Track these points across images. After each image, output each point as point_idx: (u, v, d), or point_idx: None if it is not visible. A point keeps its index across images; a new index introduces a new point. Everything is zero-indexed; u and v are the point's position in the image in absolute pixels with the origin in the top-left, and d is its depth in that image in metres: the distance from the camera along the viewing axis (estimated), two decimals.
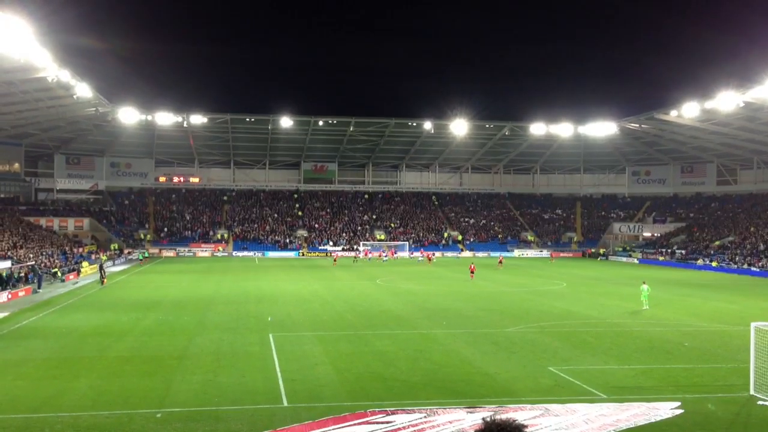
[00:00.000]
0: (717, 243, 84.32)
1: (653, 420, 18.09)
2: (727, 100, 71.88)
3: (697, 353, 26.97)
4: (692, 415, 18.44)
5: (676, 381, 22.36)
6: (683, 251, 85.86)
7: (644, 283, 40.74)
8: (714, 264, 75.30)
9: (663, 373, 23.65)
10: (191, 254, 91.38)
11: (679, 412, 18.78)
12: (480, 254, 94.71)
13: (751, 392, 20.20)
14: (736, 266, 72.34)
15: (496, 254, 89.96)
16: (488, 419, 2.49)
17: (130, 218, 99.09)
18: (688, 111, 78.92)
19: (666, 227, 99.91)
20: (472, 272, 59.11)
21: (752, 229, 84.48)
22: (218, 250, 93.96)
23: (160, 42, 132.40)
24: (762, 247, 76.84)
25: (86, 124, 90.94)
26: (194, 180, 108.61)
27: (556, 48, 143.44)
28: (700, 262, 78.45)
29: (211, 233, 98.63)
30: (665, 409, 19.00)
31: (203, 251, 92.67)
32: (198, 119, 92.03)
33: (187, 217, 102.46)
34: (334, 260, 79.14)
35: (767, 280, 63.15)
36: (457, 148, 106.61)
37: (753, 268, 69.69)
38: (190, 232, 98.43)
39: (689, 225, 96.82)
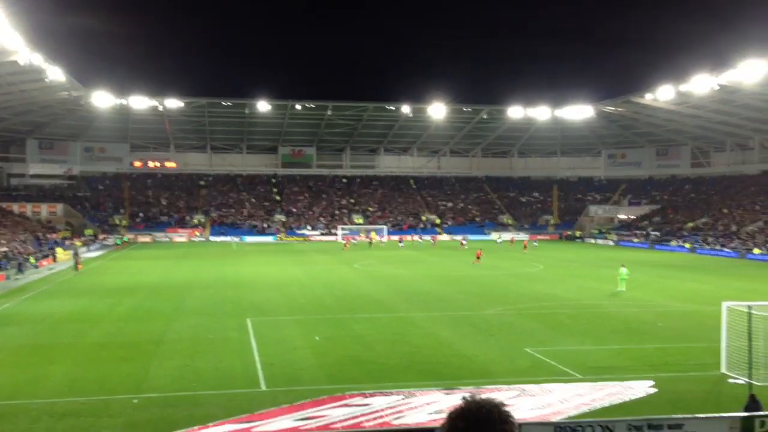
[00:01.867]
0: (691, 225, 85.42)
1: (628, 399, 18.39)
2: (701, 84, 72.54)
3: (671, 333, 27.40)
4: (665, 393, 18.77)
5: (650, 360, 22.72)
6: (658, 233, 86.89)
7: (623, 265, 40.62)
8: (687, 245, 76.34)
9: (637, 353, 24.02)
10: (168, 239, 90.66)
11: (652, 390, 19.11)
12: (457, 237, 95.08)
13: (723, 371, 20.59)
14: (709, 247, 73.37)
15: (474, 237, 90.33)
16: (468, 398, 2.47)
17: (105, 203, 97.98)
18: (663, 94, 79.54)
19: (641, 209, 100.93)
20: (478, 257, 58.54)
21: (725, 210, 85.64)
22: (195, 235, 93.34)
23: (134, 25, 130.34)
24: (734, 228, 77.99)
25: (59, 109, 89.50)
26: (170, 165, 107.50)
27: (534, 31, 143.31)
28: (674, 243, 79.47)
29: (188, 218, 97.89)
30: (639, 388, 19.31)
31: (180, 236, 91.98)
32: (174, 103, 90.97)
33: (164, 202, 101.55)
34: (345, 244, 78.40)
35: (739, 261, 64.19)
36: (436, 131, 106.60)
37: (725, 249, 70.74)
38: (166, 217, 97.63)
39: (664, 207, 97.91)
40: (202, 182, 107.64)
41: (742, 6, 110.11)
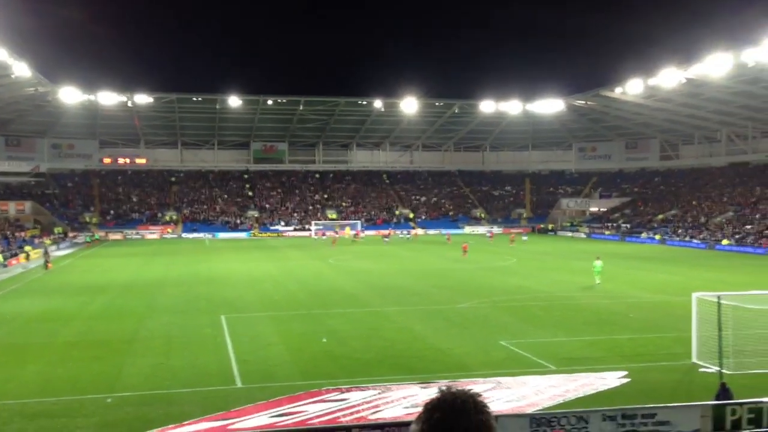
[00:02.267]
0: (660, 217, 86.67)
1: (601, 389, 18.63)
2: (669, 77, 73.47)
3: (642, 324, 27.79)
4: (638, 383, 19.04)
5: (622, 351, 23.03)
6: (628, 225, 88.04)
7: (598, 258, 40.63)
8: (657, 237, 77.43)
9: (610, 343, 24.33)
10: (139, 237, 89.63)
11: (625, 381, 19.38)
12: (431, 231, 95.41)
13: (693, 360, 20.95)
14: (678, 239, 74.48)
15: (450, 231, 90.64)
16: (444, 389, 2.47)
17: (74, 201, 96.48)
18: (632, 88, 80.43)
19: (612, 202, 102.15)
20: (465, 251, 58.91)
21: (693, 202, 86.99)
22: (167, 232, 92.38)
23: (102, 20, 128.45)
24: (703, 219, 79.28)
25: (26, 105, 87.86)
26: (140, 161, 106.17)
27: (504, 25, 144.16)
28: (644, 235, 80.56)
29: (159, 215, 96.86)
30: (612, 379, 19.57)
31: (152, 233, 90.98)
32: (143, 99, 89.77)
33: (134, 199, 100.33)
34: (357, 235, 79.28)
35: (708, 252, 65.28)
36: (408, 126, 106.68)
37: (694, 241, 71.89)
38: (137, 214, 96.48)
39: (634, 199, 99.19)
40: (173, 178, 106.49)
41: (708, 0, 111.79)
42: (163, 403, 17.53)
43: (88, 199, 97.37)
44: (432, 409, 2.66)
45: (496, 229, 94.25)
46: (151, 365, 21.33)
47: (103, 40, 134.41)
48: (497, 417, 14.17)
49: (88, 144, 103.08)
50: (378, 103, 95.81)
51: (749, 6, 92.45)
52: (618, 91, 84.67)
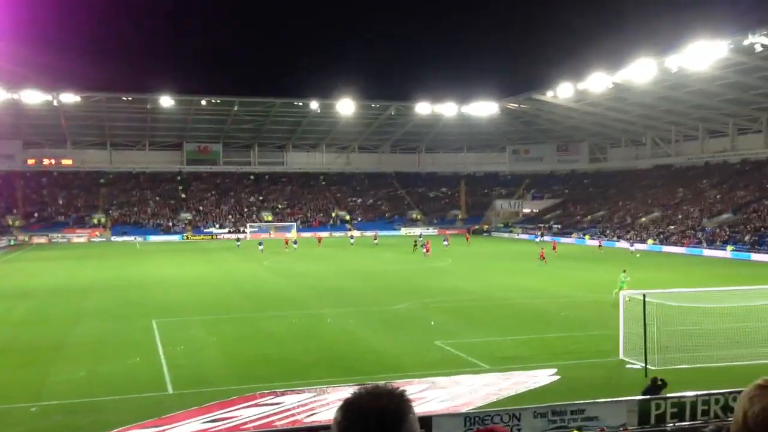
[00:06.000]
0: (589, 217, 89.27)
1: (533, 387, 19.03)
2: (598, 82, 75.69)
3: (573, 322, 28.54)
4: (568, 380, 19.53)
5: (554, 349, 23.59)
6: (559, 226, 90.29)
7: (624, 271, 34.24)
8: (587, 237, 79.64)
9: (541, 342, 24.90)
10: (66, 240, 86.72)
11: (556, 378, 19.85)
12: (368, 233, 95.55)
13: (621, 356, 21.62)
14: (606, 239, 76.75)
15: (383, 233, 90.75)
16: (360, 389, 2.28)
17: None
18: (563, 92, 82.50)
19: (543, 203, 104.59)
20: (427, 250, 59.36)
21: (620, 203, 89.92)
22: (95, 235, 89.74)
23: (27, 16, 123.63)
24: (629, 220, 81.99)
25: None
26: (67, 162, 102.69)
27: (440, 28, 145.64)
28: (574, 235, 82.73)
29: (87, 218, 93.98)
30: (543, 376, 20.03)
31: (79, 237, 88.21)
32: (70, 98, 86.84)
33: (60, 202, 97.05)
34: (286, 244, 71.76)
35: (635, 251, 67.41)
36: (344, 128, 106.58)
37: (622, 240, 74.21)
38: (63, 217, 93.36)
39: (565, 201, 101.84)
40: (102, 180, 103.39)
41: (635, 7, 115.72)
42: (91, 411, 17.03)
43: (11, 201, 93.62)
44: (347, 408, 2.48)
45: (431, 231, 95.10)
46: (79, 372, 20.68)
47: (27, 37, 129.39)
48: (432, 417, 14.31)
49: (10, 144, 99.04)
50: (314, 105, 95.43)
51: (673, 14, 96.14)
52: (549, 95, 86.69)
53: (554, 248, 64.04)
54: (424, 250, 60.03)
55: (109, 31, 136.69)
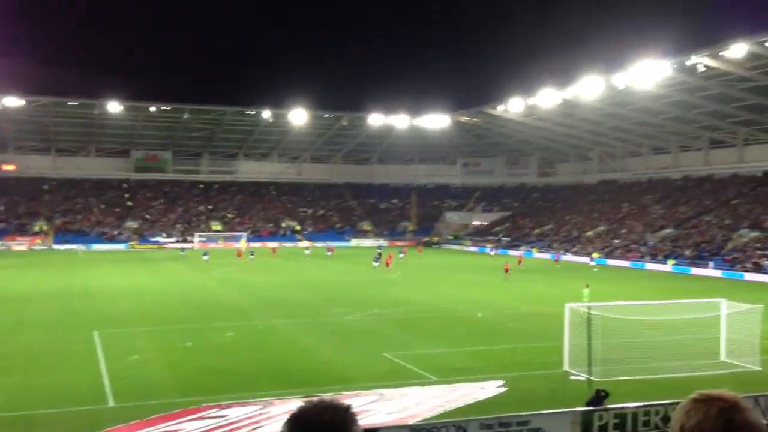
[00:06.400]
0: (537, 231, 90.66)
1: (480, 398, 19.13)
2: (547, 97, 77.08)
3: (520, 334, 28.87)
4: (514, 392, 19.70)
5: (501, 361, 23.79)
6: (508, 238, 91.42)
7: (587, 286, 37.39)
8: (535, 250, 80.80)
9: (489, 354, 25.08)
10: (5, 248, 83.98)
11: (503, 389, 20.01)
12: (318, 244, 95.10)
13: (566, 368, 21.92)
14: (554, 252, 77.99)
15: (335, 243, 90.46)
16: (306, 403, 2.32)
17: None
18: (513, 106, 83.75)
19: (493, 216, 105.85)
20: (387, 264, 59.12)
21: (567, 217, 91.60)
22: (36, 243, 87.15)
23: None
24: (576, 234, 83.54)
25: None
26: (8, 167, 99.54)
27: (393, 40, 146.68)
28: (522, 248, 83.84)
29: (28, 225, 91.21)
30: (490, 388, 20.16)
31: (19, 245, 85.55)
32: (13, 102, 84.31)
33: (1, 208, 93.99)
34: (330, 250, 74.98)
35: (580, 265, 68.69)
36: (296, 137, 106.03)
37: (569, 254, 75.52)
38: (3, 224, 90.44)
39: (514, 214, 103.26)
40: (45, 186, 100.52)
41: (584, 26, 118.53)
42: (24, 425, 16.45)
43: None
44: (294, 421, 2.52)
45: (382, 242, 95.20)
46: (12, 384, 19.97)
47: None
48: (379, 429, 14.25)
49: None
50: (266, 114, 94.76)
51: (620, 34, 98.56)
52: (501, 109, 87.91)
53: (520, 262, 64.88)
54: (385, 264, 59.71)
55: (57, 35, 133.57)
